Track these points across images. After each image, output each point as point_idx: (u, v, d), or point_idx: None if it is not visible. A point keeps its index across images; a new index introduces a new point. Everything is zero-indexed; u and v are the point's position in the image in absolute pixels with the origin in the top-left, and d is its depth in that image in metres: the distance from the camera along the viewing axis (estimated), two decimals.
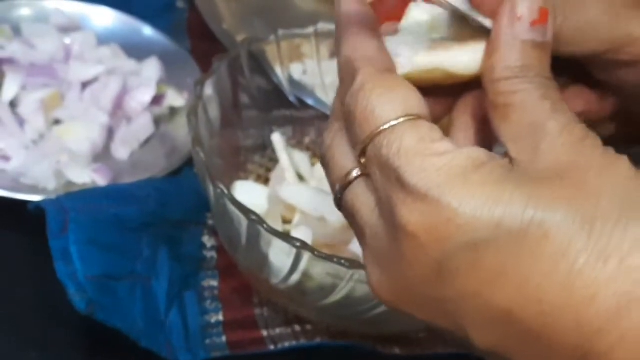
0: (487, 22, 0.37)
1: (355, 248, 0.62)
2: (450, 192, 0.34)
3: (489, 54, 0.36)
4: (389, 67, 0.37)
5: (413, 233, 0.34)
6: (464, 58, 0.37)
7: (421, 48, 0.37)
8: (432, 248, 0.34)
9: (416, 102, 0.36)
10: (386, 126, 0.35)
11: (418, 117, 0.36)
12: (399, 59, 0.37)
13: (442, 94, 0.39)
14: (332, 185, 0.39)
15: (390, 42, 0.38)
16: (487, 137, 0.39)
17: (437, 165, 0.34)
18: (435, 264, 0.34)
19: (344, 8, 0.38)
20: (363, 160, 0.37)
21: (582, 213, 0.33)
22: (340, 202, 0.38)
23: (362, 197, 0.37)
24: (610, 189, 0.34)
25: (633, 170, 0.34)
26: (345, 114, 0.37)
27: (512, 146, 0.35)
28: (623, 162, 0.34)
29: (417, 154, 0.34)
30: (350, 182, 0.37)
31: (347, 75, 0.37)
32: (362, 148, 0.36)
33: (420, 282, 0.35)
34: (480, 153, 0.35)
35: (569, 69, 0.40)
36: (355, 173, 0.37)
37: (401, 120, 0.35)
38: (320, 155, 0.39)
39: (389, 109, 0.35)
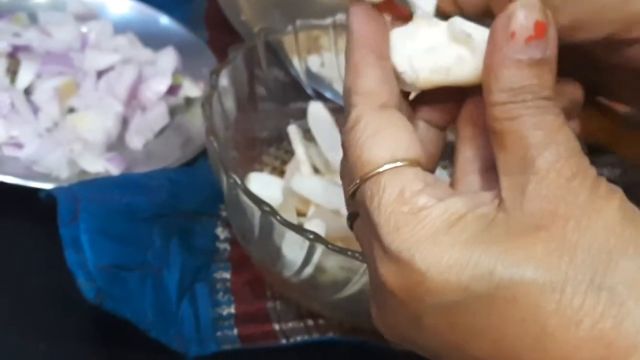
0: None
1: None
2: (420, 255, 0.34)
3: (485, 72, 0.35)
4: (385, 102, 0.36)
5: (391, 290, 0.35)
6: (462, 72, 0.36)
7: (425, 59, 0.37)
8: (409, 305, 0.35)
9: (405, 143, 0.35)
10: (370, 174, 0.35)
11: (405, 161, 0.35)
12: (404, 76, 0.37)
13: (451, 94, 0.39)
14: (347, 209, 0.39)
15: (398, 41, 0.37)
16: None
17: (411, 225, 0.34)
18: (414, 318, 0.35)
19: (354, 25, 0.37)
20: (353, 201, 0.37)
21: (552, 273, 0.33)
22: (351, 229, 0.40)
23: (364, 234, 0.37)
24: (587, 245, 0.33)
25: (622, 212, 0.33)
26: (343, 148, 0.37)
27: (504, 181, 0.34)
28: (610, 207, 0.33)
29: (393, 212, 0.34)
30: (356, 216, 0.38)
31: (346, 107, 0.37)
32: (352, 191, 0.36)
33: (406, 329, 0.36)
34: (459, 205, 0.34)
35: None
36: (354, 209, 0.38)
37: (386, 167, 0.35)
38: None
39: (375, 153, 0.35)
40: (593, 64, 0.41)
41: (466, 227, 0.34)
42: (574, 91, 0.40)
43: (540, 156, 0.33)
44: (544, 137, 0.34)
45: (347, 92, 0.37)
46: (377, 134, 0.35)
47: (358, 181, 0.36)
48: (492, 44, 0.34)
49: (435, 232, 0.34)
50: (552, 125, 0.34)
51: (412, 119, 0.39)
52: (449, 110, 0.39)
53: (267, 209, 0.56)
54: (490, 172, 0.38)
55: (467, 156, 0.38)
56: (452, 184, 0.39)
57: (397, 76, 0.37)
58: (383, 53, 0.37)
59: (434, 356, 0.36)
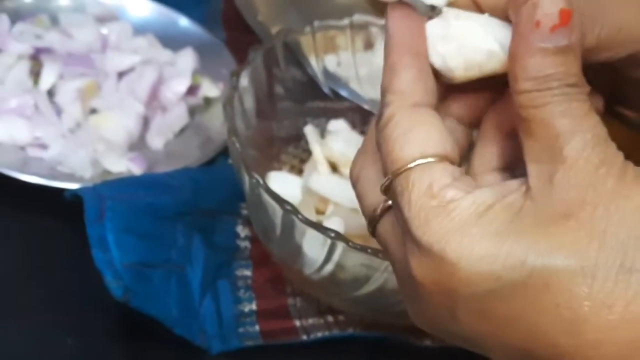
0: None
1: None
2: (451, 247, 0.35)
3: (511, 61, 0.35)
4: (418, 101, 0.37)
5: (422, 283, 0.36)
6: (495, 65, 0.37)
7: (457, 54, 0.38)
8: (441, 296, 0.36)
9: (434, 140, 0.36)
10: (401, 170, 0.36)
11: (434, 157, 0.36)
12: (441, 72, 0.38)
13: (482, 92, 0.39)
14: (364, 216, 0.40)
15: (431, 38, 0.38)
16: (514, 152, 0.38)
17: (440, 218, 0.35)
18: (449, 308, 0.36)
19: (391, 25, 0.38)
20: (387, 196, 0.38)
21: (583, 260, 0.33)
22: (373, 234, 0.40)
23: (391, 233, 0.38)
24: (615, 230, 0.34)
25: None
26: (377, 145, 0.38)
27: (532, 169, 0.35)
28: (637, 193, 0.34)
29: (423, 207, 0.35)
30: (378, 218, 0.39)
31: (380, 105, 0.38)
32: (386, 186, 0.37)
33: (442, 320, 0.37)
34: (486, 196, 0.35)
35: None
36: (380, 210, 0.38)
37: (416, 163, 0.36)
38: (351, 184, 0.40)
39: (406, 150, 0.36)
40: (614, 78, 0.41)
41: (495, 217, 0.35)
42: (595, 102, 0.40)
43: (568, 144, 0.34)
44: (571, 125, 0.34)
45: (383, 91, 0.38)
46: (409, 132, 0.36)
47: (390, 176, 0.36)
48: (517, 33, 0.35)
49: (464, 224, 0.35)
50: (579, 112, 0.34)
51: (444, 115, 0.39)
52: (477, 110, 0.40)
53: (288, 207, 0.57)
54: (506, 173, 0.39)
55: (486, 155, 0.39)
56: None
57: (435, 72, 0.38)
58: (420, 52, 0.38)
59: (471, 345, 0.37)
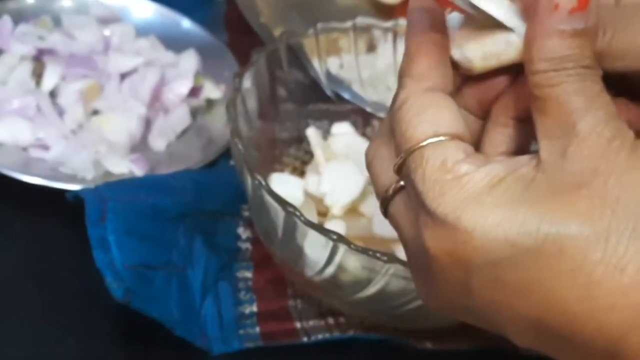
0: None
1: (400, 253, 0.62)
2: (465, 216, 0.35)
3: (528, 44, 0.36)
4: (432, 85, 0.38)
5: (436, 256, 0.36)
6: (513, 54, 0.37)
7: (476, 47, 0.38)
8: (455, 268, 0.36)
9: (447, 121, 0.37)
10: (414, 147, 0.37)
11: (447, 135, 0.37)
12: (460, 63, 0.39)
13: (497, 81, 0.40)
14: (377, 197, 0.40)
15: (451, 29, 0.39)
16: (524, 137, 0.39)
17: (455, 190, 0.36)
18: (462, 281, 0.36)
19: (411, 15, 0.39)
20: (400, 175, 0.38)
21: (597, 225, 0.34)
22: (385, 215, 0.40)
23: (403, 212, 0.39)
24: (628, 198, 0.34)
25: None
26: (392, 127, 0.39)
27: (544, 144, 0.36)
28: None
29: (437, 180, 0.36)
30: (391, 198, 0.39)
31: (397, 89, 0.39)
32: (399, 165, 0.38)
33: (455, 295, 0.37)
34: (498, 169, 0.36)
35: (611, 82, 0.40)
36: (392, 190, 0.39)
37: (429, 141, 0.37)
38: (366, 166, 0.41)
39: (420, 129, 0.37)
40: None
41: (508, 188, 0.35)
42: (628, 111, 0.40)
43: (582, 120, 0.35)
44: (585, 103, 0.35)
45: (400, 75, 0.39)
46: (423, 113, 0.37)
47: (403, 155, 0.37)
48: (535, 16, 0.36)
49: (479, 194, 0.35)
50: (592, 91, 0.35)
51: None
52: (490, 101, 0.40)
53: (291, 209, 0.57)
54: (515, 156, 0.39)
55: (496, 138, 0.40)
56: None
57: (453, 64, 0.39)
58: (439, 41, 0.39)
59: (484, 321, 0.37)
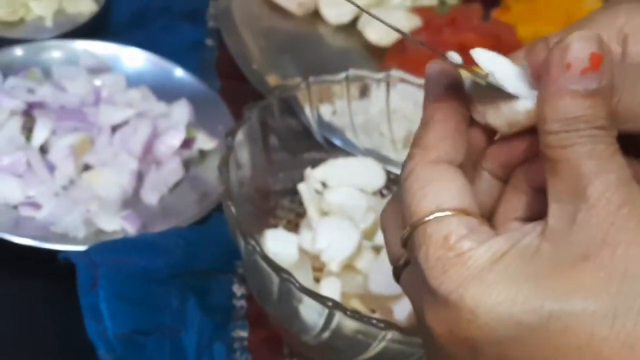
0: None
1: (398, 314, 0.62)
2: (468, 294, 0.35)
3: (540, 104, 0.36)
4: (439, 157, 0.38)
5: (438, 334, 0.36)
6: (533, 119, 0.37)
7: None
8: (460, 346, 0.35)
9: (450, 195, 0.37)
10: (418, 223, 0.36)
11: (450, 210, 0.36)
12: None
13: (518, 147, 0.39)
14: (390, 264, 0.40)
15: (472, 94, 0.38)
16: (541, 206, 0.38)
17: (457, 267, 0.35)
18: (468, 357, 0.36)
19: (429, 80, 0.39)
20: (406, 249, 0.38)
21: (602, 301, 0.33)
22: (398, 282, 0.40)
23: (412, 284, 0.38)
24: (635, 271, 0.33)
25: None
26: (400, 197, 0.38)
27: (554, 208, 0.35)
28: None
29: (440, 258, 0.36)
30: (402, 268, 0.39)
31: (406, 158, 0.38)
32: (404, 239, 0.37)
33: None
34: (501, 242, 0.35)
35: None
36: (404, 261, 0.39)
37: (433, 216, 0.36)
38: (381, 230, 0.41)
39: (424, 204, 0.37)
40: None
41: (511, 262, 0.35)
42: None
43: (592, 185, 0.34)
44: (596, 166, 0.34)
45: (411, 145, 0.39)
46: (426, 186, 0.37)
47: (409, 229, 0.37)
48: (547, 75, 0.35)
49: (481, 270, 0.35)
50: (605, 154, 0.35)
51: (478, 168, 0.40)
52: (511, 165, 0.40)
53: (285, 275, 0.56)
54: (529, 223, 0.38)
55: (512, 203, 0.39)
56: (491, 226, 0.39)
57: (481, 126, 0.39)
58: (455, 108, 0.38)
59: None
